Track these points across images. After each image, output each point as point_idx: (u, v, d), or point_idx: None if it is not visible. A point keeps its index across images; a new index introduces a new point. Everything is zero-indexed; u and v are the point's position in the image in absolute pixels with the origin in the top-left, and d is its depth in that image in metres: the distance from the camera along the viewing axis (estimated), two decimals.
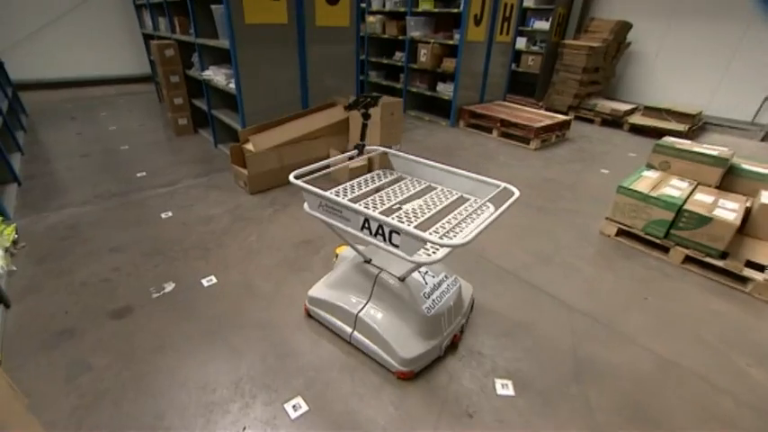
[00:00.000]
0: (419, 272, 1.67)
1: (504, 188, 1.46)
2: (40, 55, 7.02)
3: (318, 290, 1.88)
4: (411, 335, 1.62)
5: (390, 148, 1.86)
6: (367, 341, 1.70)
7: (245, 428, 1.43)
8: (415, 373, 1.64)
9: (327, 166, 1.67)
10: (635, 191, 2.60)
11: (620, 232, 2.77)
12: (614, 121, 5.79)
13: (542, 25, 6.48)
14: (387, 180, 1.78)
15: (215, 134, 4.34)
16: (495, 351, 1.81)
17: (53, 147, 4.43)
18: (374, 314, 1.68)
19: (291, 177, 1.46)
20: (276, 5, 3.15)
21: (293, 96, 3.59)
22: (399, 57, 6.10)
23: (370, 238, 1.31)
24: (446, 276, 1.76)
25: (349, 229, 1.38)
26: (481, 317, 2.00)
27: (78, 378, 1.62)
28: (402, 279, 1.63)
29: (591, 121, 6.05)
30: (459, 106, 5.42)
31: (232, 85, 3.43)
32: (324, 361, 1.72)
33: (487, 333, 1.91)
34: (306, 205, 1.52)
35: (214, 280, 2.21)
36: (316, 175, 1.60)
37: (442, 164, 1.70)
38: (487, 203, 1.46)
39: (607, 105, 5.88)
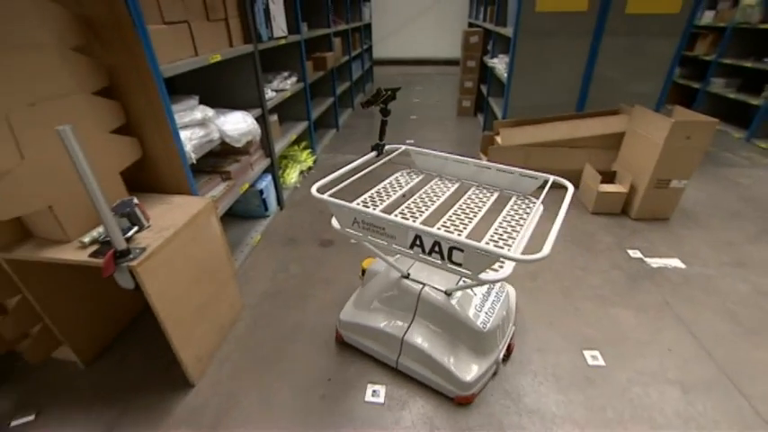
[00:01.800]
0: (469, 290, 1.53)
1: (553, 180, 1.32)
2: (393, 41, 9.09)
3: (351, 312, 1.67)
4: (467, 354, 1.46)
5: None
6: (417, 368, 1.51)
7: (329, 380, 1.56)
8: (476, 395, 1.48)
9: (351, 174, 1.41)
10: None
11: None
12: None
13: None
14: (414, 182, 1.60)
15: (486, 120, 4.44)
16: None
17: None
18: (423, 335, 1.49)
19: (314, 191, 1.22)
20: None
21: (568, 96, 3.14)
22: None
23: (422, 256, 1.13)
24: (492, 287, 1.59)
25: (395, 247, 1.18)
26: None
27: (277, 275, 2.19)
28: (449, 294, 1.48)
29: None
30: None
31: (501, 68, 3.34)
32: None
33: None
34: (335, 222, 1.30)
35: None
36: (344, 184, 1.41)
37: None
38: (533, 200, 1.35)
39: None
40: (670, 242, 2.44)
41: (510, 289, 1.77)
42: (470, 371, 1.43)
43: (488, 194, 1.49)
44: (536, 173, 1.41)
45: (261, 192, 2.57)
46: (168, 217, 1.48)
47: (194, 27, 1.78)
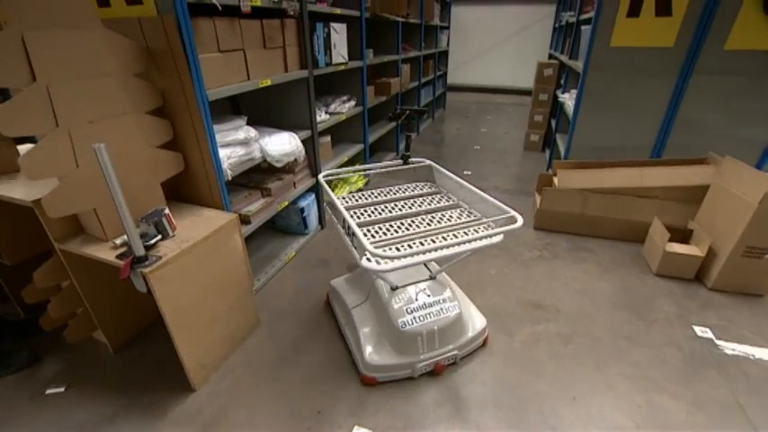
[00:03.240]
0: (416, 287, 1.69)
1: (511, 216, 1.37)
2: (470, 68, 9.01)
3: (338, 282, 2.02)
4: (383, 343, 1.66)
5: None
6: (350, 337, 1.78)
7: None
8: (379, 383, 1.66)
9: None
10: None
11: None
12: None
13: None
14: (424, 191, 1.90)
15: (551, 157, 4.15)
16: None
17: (433, 133, 5.78)
18: (363, 314, 1.77)
19: (320, 177, 1.78)
20: (664, 24, 2.46)
21: (642, 140, 2.81)
22: None
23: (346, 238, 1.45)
24: (445, 300, 1.68)
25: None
26: None
27: (299, 295, 2.23)
28: (394, 288, 1.68)
29: None
30: None
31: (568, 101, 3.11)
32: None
33: None
34: (335, 201, 1.58)
35: None
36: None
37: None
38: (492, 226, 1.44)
39: None
40: (757, 326, 2.01)
41: (476, 316, 1.83)
42: (377, 357, 1.63)
43: (467, 216, 1.63)
44: (503, 206, 1.44)
45: (302, 210, 2.66)
46: (193, 229, 1.59)
47: (249, 55, 1.93)
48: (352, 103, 3.24)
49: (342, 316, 1.92)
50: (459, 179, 1.72)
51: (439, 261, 1.70)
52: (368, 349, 1.64)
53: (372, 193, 1.85)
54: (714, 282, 2.25)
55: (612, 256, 2.61)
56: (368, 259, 1.31)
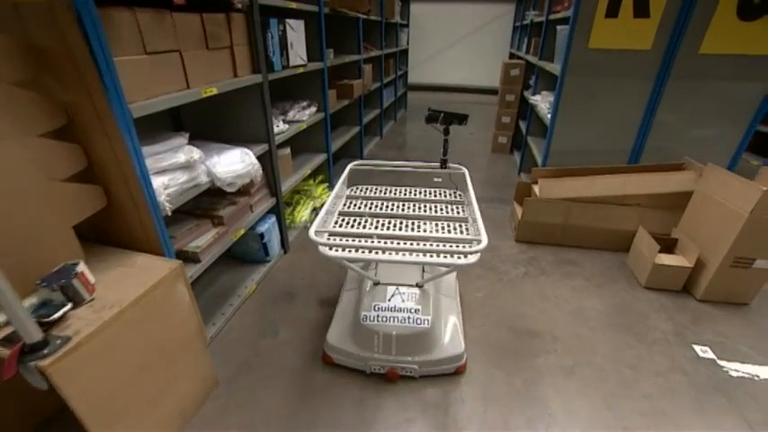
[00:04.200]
0: (397, 289, 1.68)
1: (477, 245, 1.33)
2: (430, 66, 8.91)
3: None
4: (347, 329, 1.71)
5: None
6: (334, 314, 1.84)
7: None
8: (335, 364, 1.72)
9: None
10: None
11: None
12: None
13: None
14: (446, 198, 1.90)
15: (522, 160, 4.05)
16: None
17: (396, 136, 5.56)
18: (350, 299, 1.85)
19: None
20: (642, 26, 2.35)
21: (620, 142, 2.72)
22: None
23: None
24: (417, 311, 1.62)
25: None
26: None
27: (263, 340, 1.88)
28: (376, 283, 1.70)
29: None
30: None
31: (544, 108, 2.98)
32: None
33: None
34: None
35: None
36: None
37: None
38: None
39: None
40: (753, 339, 1.94)
41: (454, 339, 1.70)
42: (336, 339, 1.70)
43: (467, 233, 1.62)
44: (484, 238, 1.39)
45: (261, 235, 2.30)
46: (121, 287, 1.22)
47: (188, 57, 1.55)
48: (313, 109, 2.91)
49: (341, 293, 1.99)
50: (472, 192, 1.75)
51: (429, 271, 1.81)
52: (332, 329, 1.74)
53: (397, 190, 1.97)
54: (703, 293, 2.18)
55: (599, 268, 2.49)
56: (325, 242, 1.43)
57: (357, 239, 1.52)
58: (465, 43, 8.64)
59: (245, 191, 2.08)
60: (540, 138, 3.76)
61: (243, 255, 2.41)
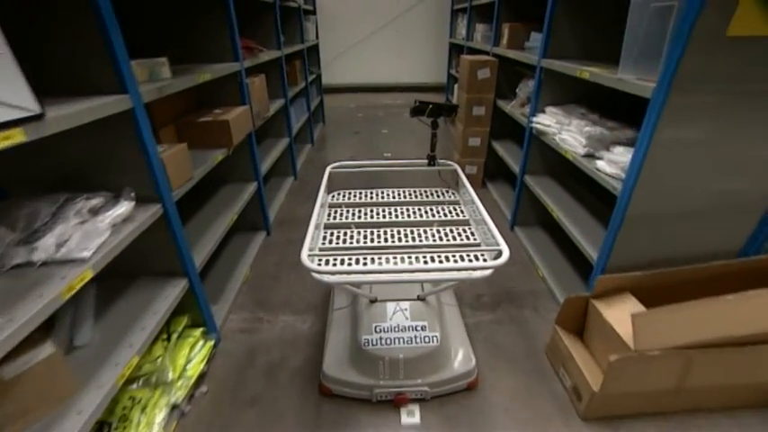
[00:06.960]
0: (397, 305, 1.49)
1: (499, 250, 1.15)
2: (348, 63, 7.30)
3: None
4: (346, 357, 1.51)
5: None
6: (326, 339, 1.62)
7: None
8: (334, 395, 1.50)
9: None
10: None
11: None
12: None
13: None
14: (441, 199, 1.74)
15: (516, 211, 2.70)
16: None
17: (316, 170, 3.98)
18: (342, 319, 1.64)
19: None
20: None
21: (743, 223, 1.48)
22: None
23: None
24: (424, 328, 1.44)
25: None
26: None
27: None
28: (373, 301, 1.52)
29: None
30: None
31: (604, 166, 1.64)
32: None
33: None
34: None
35: None
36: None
37: None
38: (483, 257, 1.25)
39: None
40: None
41: (464, 354, 1.51)
42: (334, 368, 1.48)
43: (467, 239, 1.45)
44: (500, 240, 1.18)
45: None
46: None
47: None
48: (125, 206, 1.21)
49: (330, 313, 1.75)
50: (472, 192, 1.56)
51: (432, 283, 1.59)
52: (328, 357, 1.52)
53: (382, 193, 1.77)
54: None
55: None
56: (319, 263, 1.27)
57: (357, 257, 1.31)
58: (383, 33, 7.15)
59: None
60: (548, 178, 2.44)
61: None
